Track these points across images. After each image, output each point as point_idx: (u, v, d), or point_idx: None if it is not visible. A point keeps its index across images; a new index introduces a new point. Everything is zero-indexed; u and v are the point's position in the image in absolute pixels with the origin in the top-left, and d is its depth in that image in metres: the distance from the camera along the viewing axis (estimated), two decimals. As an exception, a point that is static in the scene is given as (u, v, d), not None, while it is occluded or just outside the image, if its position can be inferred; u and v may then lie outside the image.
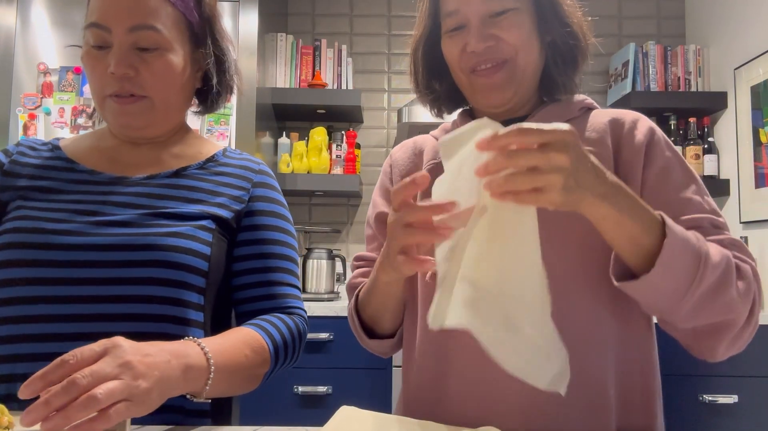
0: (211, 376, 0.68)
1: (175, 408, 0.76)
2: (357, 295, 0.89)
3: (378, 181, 0.99)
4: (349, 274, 2.53)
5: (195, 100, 0.97)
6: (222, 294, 0.87)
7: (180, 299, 0.78)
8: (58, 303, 0.75)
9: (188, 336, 0.72)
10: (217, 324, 0.86)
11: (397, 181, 0.94)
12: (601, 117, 0.84)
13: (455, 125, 0.91)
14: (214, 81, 0.91)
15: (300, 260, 2.26)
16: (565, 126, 0.55)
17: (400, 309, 0.87)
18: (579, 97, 0.88)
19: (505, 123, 0.85)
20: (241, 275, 0.88)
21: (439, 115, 0.95)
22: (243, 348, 0.75)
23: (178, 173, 0.88)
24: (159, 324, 0.77)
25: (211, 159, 0.92)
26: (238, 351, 0.74)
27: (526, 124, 0.54)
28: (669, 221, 0.64)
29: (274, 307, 0.88)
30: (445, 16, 0.82)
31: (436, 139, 0.93)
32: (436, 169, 0.89)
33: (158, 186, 0.86)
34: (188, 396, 0.69)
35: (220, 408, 0.87)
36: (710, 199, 0.78)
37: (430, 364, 0.81)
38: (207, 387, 0.68)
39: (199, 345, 0.69)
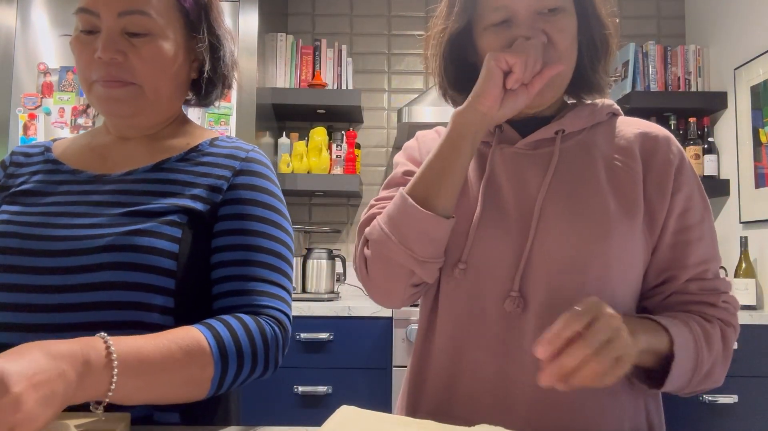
0: (114, 379, 0.59)
1: (140, 419, 0.71)
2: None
3: (402, 151, 0.94)
4: (350, 274, 2.54)
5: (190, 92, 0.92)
6: (203, 294, 0.81)
7: (143, 303, 0.72)
8: (17, 311, 0.71)
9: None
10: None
11: (424, 153, 0.88)
12: (629, 126, 0.83)
13: None
14: (207, 68, 0.87)
15: (300, 260, 2.28)
16: (609, 315, 0.62)
17: (459, 183, 0.78)
18: (606, 101, 0.86)
19: (528, 121, 0.85)
20: (216, 268, 0.80)
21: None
22: (173, 348, 0.66)
23: (157, 167, 0.83)
24: (122, 331, 0.70)
25: (195, 149, 0.86)
26: (165, 350, 0.65)
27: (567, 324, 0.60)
28: (672, 330, 0.71)
29: (245, 305, 0.77)
30: (490, 10, 0.78)
31: None
32: None
33: (134, 182, 0.81)
34: (91, 405, 0.60)
35: (210, 416, 0.81)
36: (713, 230, 0.81)
37: (444, 363, 0.81)
38: (110, 392, 0.59)
39: (105, 342, 0.60)
